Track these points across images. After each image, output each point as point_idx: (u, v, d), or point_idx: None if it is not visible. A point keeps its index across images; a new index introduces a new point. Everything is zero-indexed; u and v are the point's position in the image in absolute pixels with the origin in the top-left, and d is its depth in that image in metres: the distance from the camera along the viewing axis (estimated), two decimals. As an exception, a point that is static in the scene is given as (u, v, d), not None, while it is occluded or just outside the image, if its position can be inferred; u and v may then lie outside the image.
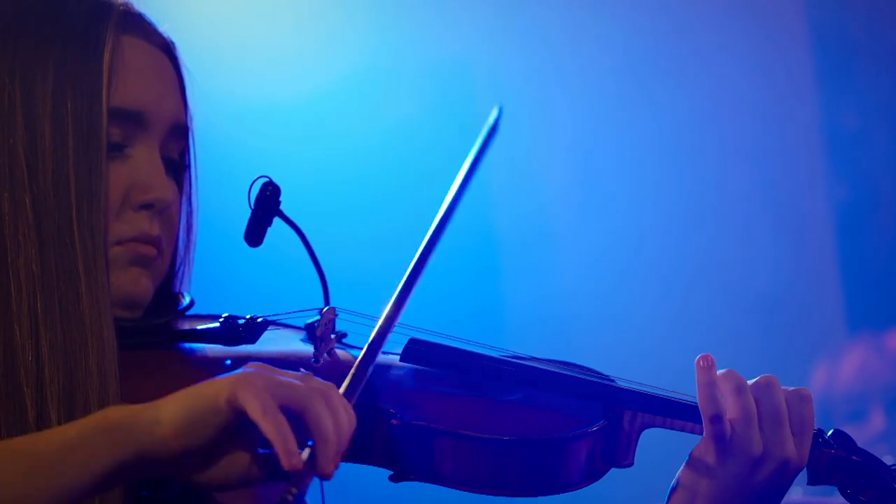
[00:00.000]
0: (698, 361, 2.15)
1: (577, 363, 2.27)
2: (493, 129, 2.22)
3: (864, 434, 4.92)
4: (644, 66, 5.91)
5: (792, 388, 2.17)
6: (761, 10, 5.96)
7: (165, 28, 2.25)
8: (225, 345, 2.21)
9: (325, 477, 1.73)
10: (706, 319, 5.71)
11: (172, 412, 1.74)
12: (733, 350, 5.47)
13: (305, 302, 2.27)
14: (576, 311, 5.81)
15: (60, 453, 1.74)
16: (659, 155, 5.92)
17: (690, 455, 2.15)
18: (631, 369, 2.28)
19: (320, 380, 1.79)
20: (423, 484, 2.12)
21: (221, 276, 4.26)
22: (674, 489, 2.17)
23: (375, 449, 2.11)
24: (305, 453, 1.72)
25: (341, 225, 5.32)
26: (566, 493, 2.12)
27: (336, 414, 1.74)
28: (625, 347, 5.53)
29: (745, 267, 5.86)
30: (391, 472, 2.12)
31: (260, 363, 1.79)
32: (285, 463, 1.70)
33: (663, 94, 5.91)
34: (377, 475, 2.14)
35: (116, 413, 1.77)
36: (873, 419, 5.05)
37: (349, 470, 2.15)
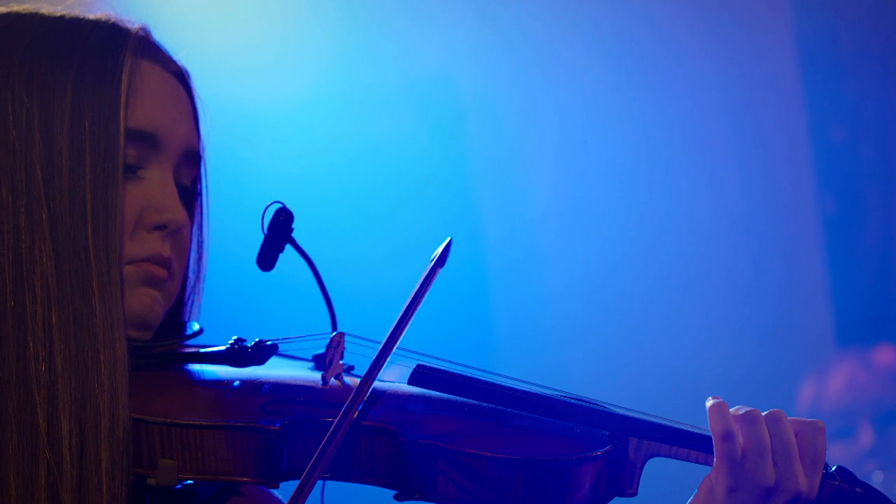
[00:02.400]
0: (709, 402, 2.17)
1: (579, 395, 2.29)
2: (442, 259, 2.19)
3: (853, 450, 4.94)
4: (631, 80, 5.93)
5: (807, 420, 2.18)
6: (749, 22, 5.99)
7: (181, 56, 2.28)
8: (233, 366, 2.24)
9: None
10: (695, 334, 5.73)
11: None
12: (723, 366, 5.51)
13: (314, 326, 2.30)
14: (563, 325, 5.83)
15: None
16: (646, 169, 5.94)
17: (701, 485, 2.16)
18: (620, 383, 2.31)
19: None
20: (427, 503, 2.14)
21: (231, 299, 4.28)
22: None
23: (380, 468, 2.14)
24: None
25: (350, 248, 5.34)
26: (568, 519, 2.15)
27: None
28: (614, 363, 5.54)
29: (733, 281, 5.88)
30: (395, 492, 2.15)
31: None
32: None
33: (650, 107, 5.93)
34: (381, 494, 2.17)
35: None
36: (862, 435, 5.07)
37: (349, 490, 2.18)
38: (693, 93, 5.95)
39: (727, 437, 2.13)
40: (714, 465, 2.15)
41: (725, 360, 5.56)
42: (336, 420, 2.03)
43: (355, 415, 2.04)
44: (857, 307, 5.92)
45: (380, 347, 2.11)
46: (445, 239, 2.15)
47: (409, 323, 2.12)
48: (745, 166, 5.98)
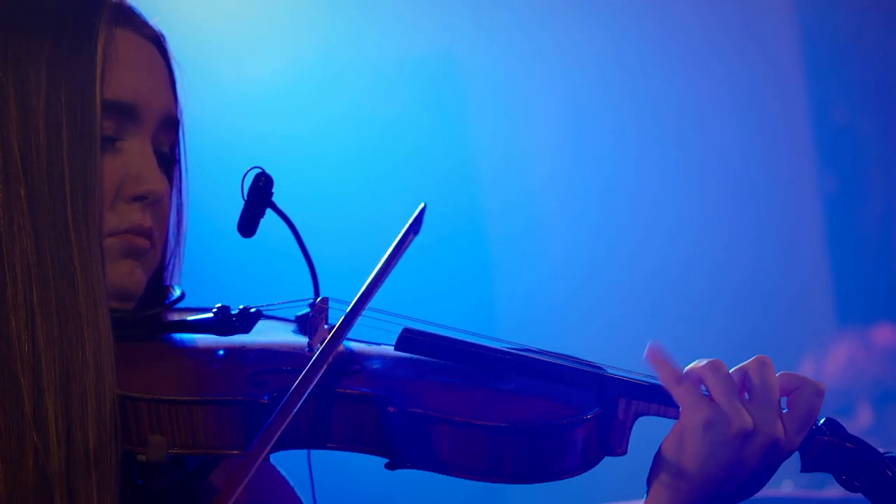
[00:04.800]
0: (647, 353, 2.16)
1: (571, 354, 2.28)
2: (416, 225, 2.16)
3: (853, 428, 4.92)
4: (631, 60, 5.91)
5: (809, 379, 2.17)
6: (750, 4, 5.97)
7: (156, 21, 2.26)
8: (218, 335, 2.23)
9: None
10: (696, 312, 5.73)
11: None
12: (723, 342, 5.50)
13: (298, 292, 2.28)
14: (565, 301, 5.82)
15: None
16: (647, 148, 5.93)
17: (673, 427, 2.15)
18: (620, 359, 2.29)
19: None
20: (418, 471, 2.13)
21: (213, 267, 4.26)
22: (657, 464, 2.17)
23: (371, 437, 2.12)
24: None
25: (332, 215, 5.32)
26: (560, 480, 2.13)
27: None
28: (614, 339, 5.53)
29: (735, 260, 5.87)
30: (387, 461, 2.13)
31: None
32: None
33: (651, 87, 5.92)
34: (372, 462, 2.16)
35: None
36: (861, 413, 5.07)
37: (339, 458, 2.16)
38: (693, 73, 5.94)
39: (679, 380, 2.13)
40: (681, 410, 2.14)
41: (726, 338, 5.55)
42: (289, 393, 2.00)
43: (307, 389, 2.01)
44: (857, 286, 5.91)
45: (343, 315, 2.08)
46: (419, 205, 2.13)
47: (377, 292, 2.10)
48: (746, 145, 5.97)
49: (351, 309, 2.07)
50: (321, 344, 2.05)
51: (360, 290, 2.08)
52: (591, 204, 5.92)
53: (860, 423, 5.05)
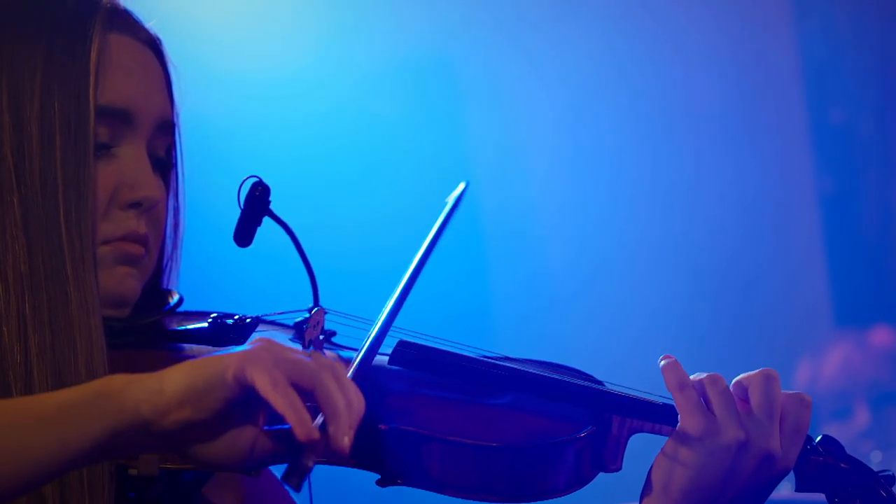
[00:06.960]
0: (661, 362, 2.18)
1: (565, 365, 2.27)
2: (457, 203, 2.18)
3: (849, 430, 4.93)
4: (626, 61, 5.91)
5: (793, 392, 2.18)
6: (747, 4, 5.97)
7: (152, 24, 2.24)
8: (213, 345, 2.21)
9: (340, 451, 1.70)
10: (692, 314, 5.73)
11: (176, 383, 1.70)
12: (719, 345, 5.50)
13: (295, 302, 2.27)
14: (561, 308, 5.82)
15: (60, 414, 1.69)
16: (643, 150, 5.93)
17: (668, 439, 2.15)
18: (615, 365, 2.30)
19: (328, 356, 1.78)
20: (410, 488, 2.11)
21: (211, 274, 4.25)
22: (650, 475, 2.16)
23: (362, 453, 2.09)
24: (319, 420, 1.70)
25: (331, 225, 5.31)
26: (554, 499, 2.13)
27: (346, 389, 1.72)
28: (610, 343, 5.54)
29: (731, 261, 5.87)
30: (378, 477, 2.12)
31: (268, 338, 1.75)
32: (301, 434, 1.67)
33: (648, 87, 5.91)
34: (364, 479, 2.14)
35: (119, 380, 1.73)
36: (858, 415, 5.06)
37: (336, 474, 2.14)
38: (691, 74, 5.93)
39: (682, 386, 2.14)
40: (679, 420, 2.14)
41: (722, 340, 5.56)
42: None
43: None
44: (854, 287, 5.91)
45: (378, 323, 2.07)
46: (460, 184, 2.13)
47: (412, 289, 2.10)
48: (742, 146, 5.96)
49: (383, 323, 2.08)
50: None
51: (386, 299, 2.08)
52: (587, 207, 5.92)
53: (857, 425, 5.04)
